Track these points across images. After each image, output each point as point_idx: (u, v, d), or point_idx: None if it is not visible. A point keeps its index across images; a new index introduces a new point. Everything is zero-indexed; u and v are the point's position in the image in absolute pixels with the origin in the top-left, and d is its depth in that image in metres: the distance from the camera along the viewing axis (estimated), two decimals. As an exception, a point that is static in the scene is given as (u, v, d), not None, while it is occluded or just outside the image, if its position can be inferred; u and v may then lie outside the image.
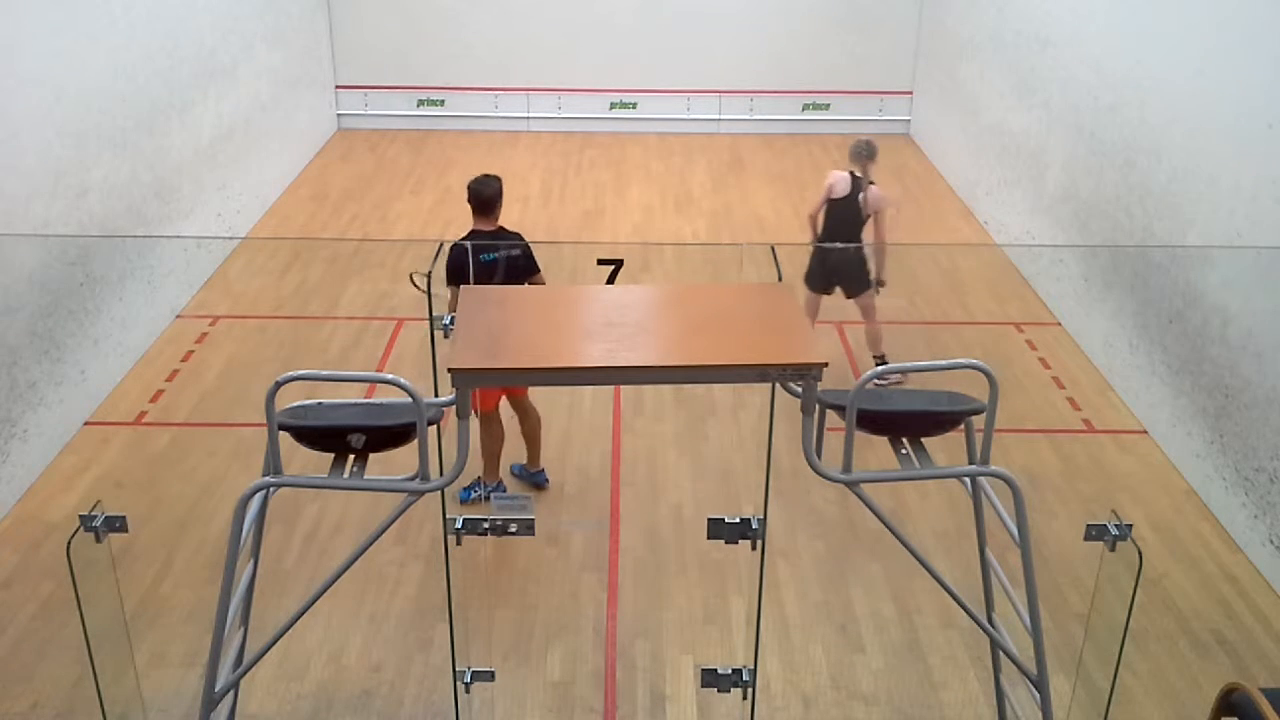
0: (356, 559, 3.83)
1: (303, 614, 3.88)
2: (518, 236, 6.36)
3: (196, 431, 7.35)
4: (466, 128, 13.85)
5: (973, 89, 11.64)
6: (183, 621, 5.66)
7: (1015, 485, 3.83)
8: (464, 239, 6.22)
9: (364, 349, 8.47)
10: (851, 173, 7.73)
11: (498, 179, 6.30)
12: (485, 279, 6.01)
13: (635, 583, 6.05)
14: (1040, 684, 4.15)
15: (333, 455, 3.84)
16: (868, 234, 7.78)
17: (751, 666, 4.56)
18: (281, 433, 3.74)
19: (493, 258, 6.13)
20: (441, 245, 4.78)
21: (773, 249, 4.28)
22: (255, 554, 4.25)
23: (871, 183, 7.73)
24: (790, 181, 12.42)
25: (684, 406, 7.72)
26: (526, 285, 6.11)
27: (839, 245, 7.76)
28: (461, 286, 4.14)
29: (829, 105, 13.95)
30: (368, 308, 9.13)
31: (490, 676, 4.93)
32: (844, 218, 7.75)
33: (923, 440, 4.01)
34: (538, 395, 6.83)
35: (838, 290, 7.97)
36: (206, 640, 4.00)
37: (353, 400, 4.05)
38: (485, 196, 6.22)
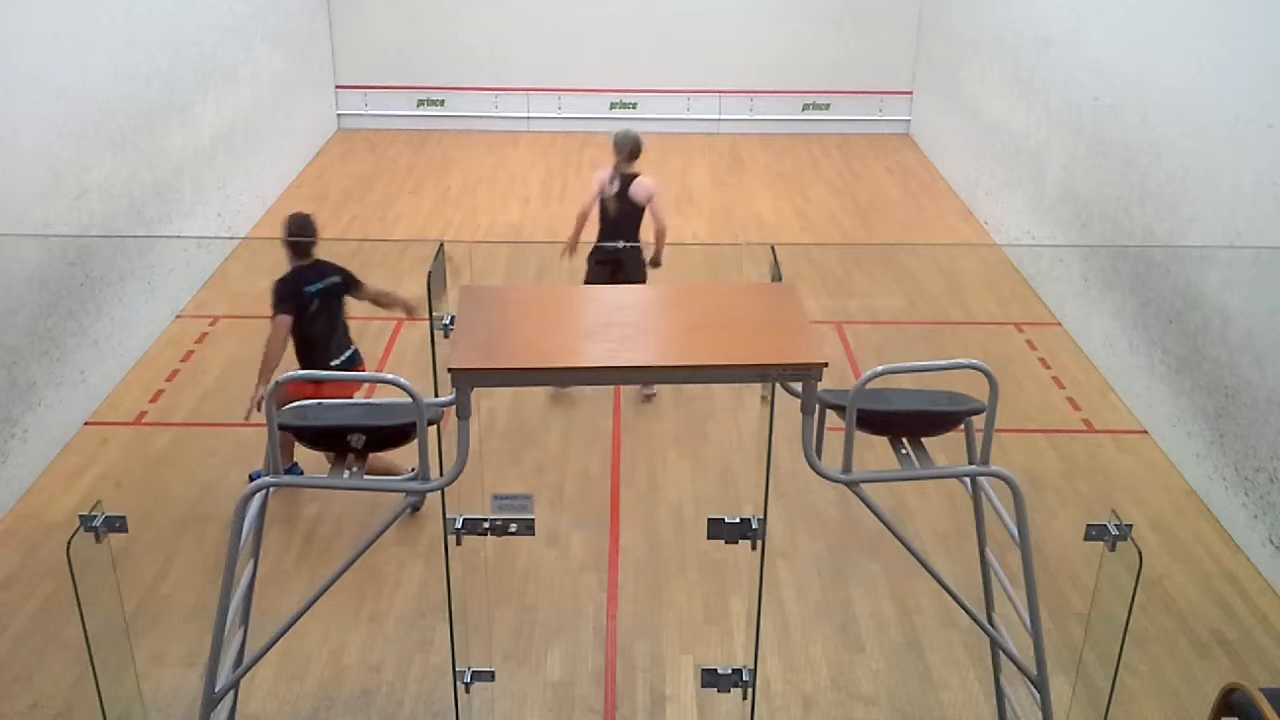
0: (357, 559, 3.83)
1: (303, 614, 3.88)
2: (333, 266, 6.47)
3: (196, 431, 7.35)
4: (466, 128, 13.85)
5: (973, 89, 11.64)
6: (183, 621, 5.66)
7: (1015, 485, 3.83)
8: (288, 276, 6.31)
9: (364, 349, 8.41)
10: (615, 168, 7.68)
11: (312, 216, 6.43)
12: (321, 310, 6.35)
13: (635, 583, 6.05)
14: (1040, 684, 4.15)
15: (333, 455, 3.84)
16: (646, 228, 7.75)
17: (751, 666, 4.56)
18: (282, 433, 3.74)
19: (320, 288, 6.33)
20: (442, 245, 4.78)
21: (773, 249, 4.27)
22: (255, 554, 4.25)
23: (636, 174, 7.68)
24: (790, 181, 12.41)
25: (684, 406, 7.71)
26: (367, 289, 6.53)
27: (621, 245, 7.70)
28: (462, 286, 4.13)
29: (829, 105, 13.95)
30: (368, 308, 9.09)
31: (490, 676, 4.93)
32: (621, 213, 7.69)
33: (923, 440, 4.01)
34: (537, 394, 6.81)
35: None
36: (206, 640, 4.00)
37: (353, 400, 4.05)
38: (307, 242, 6.32)
